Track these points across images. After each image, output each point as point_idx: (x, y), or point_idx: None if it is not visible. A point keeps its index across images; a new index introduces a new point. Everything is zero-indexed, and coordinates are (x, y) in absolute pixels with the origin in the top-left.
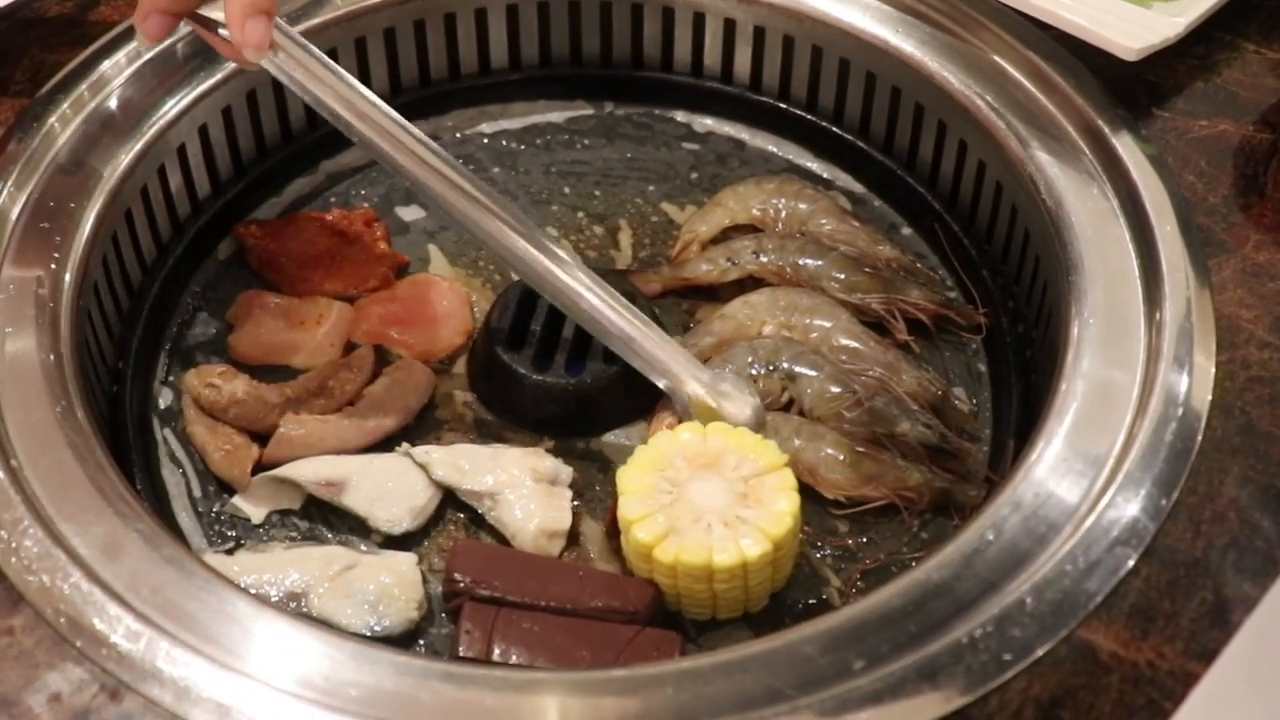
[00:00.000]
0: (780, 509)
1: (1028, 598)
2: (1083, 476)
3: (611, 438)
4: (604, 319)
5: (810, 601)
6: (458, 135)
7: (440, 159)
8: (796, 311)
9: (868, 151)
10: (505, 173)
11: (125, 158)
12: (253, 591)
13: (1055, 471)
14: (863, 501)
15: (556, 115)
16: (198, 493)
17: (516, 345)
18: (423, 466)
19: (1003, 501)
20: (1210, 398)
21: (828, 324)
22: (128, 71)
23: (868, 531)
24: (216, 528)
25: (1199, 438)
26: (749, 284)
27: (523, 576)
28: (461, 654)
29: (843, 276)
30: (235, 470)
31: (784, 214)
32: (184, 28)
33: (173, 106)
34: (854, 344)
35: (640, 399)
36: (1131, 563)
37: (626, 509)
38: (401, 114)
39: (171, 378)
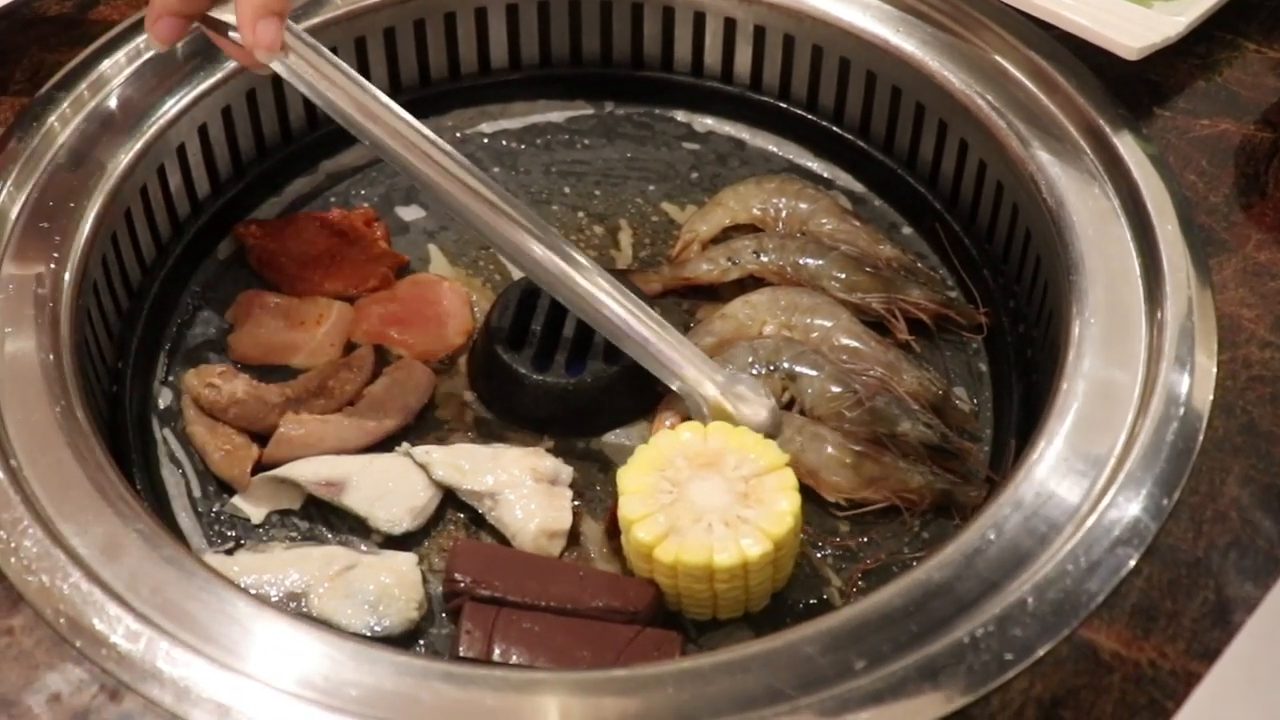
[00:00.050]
0: (781, 509)
1: (1029, 597)
2: (1084, 476)
3: (612, 437)
4: (622, 323)
5: (811, 601)
6: (458, 135)
7: (453, 161)
8: (797, 311)
9: (868, 151)
10: (505, 173)
11: (125, 157)
12: (253, 591)
13: (1056, 471)
14: (864, 503)
15: (556, 115)
16: (197, 493)
17: (517, 345)
18: (423, 466)
19: (1004, 501)
20: (1212, 397)
21: (828, 324)
22: (127, 71)
23: (868, 531)
24: (216, 528)
25: (1200, 437)
26: (749, 284)
27: (523, 576)
28: (462, 654)
29: (843, 276)
30: (235, 470)
31: (784, 213)
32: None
33: (172, 106)
34: (854, 344)
35: (640, 399)
36: (1133, 562)
37: (627, 509)
38: None
39: (171, 378)
